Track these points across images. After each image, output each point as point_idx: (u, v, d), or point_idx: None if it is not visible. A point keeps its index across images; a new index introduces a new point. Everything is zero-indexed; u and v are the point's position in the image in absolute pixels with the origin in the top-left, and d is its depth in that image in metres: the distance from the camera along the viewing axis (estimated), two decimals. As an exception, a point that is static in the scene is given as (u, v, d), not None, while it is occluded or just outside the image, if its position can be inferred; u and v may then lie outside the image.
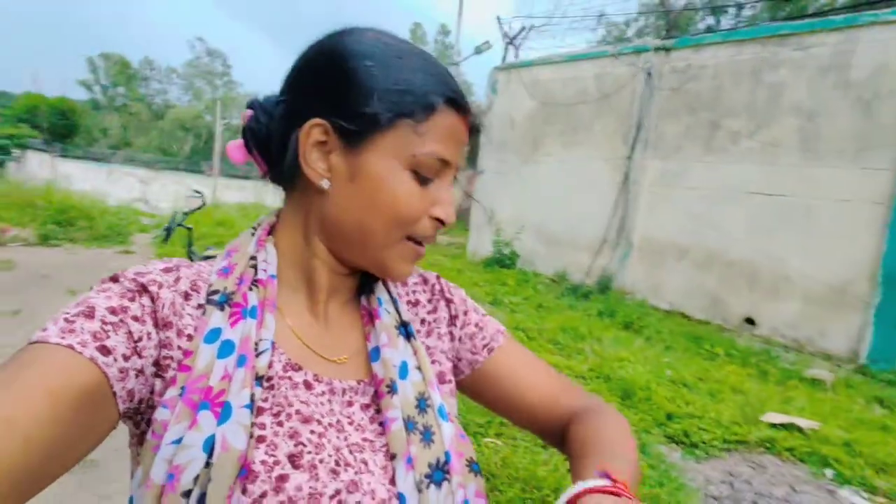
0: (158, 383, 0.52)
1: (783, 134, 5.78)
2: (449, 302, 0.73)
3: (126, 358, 0.48)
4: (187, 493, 0.46)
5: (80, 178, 17.80)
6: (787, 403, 3.97)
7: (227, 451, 0.47)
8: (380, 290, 0.67)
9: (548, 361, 3.78)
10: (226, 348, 0.52)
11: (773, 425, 3.57)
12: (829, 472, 3.10)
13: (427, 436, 0.58)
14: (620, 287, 7.23)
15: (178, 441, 0.48)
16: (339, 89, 0.56)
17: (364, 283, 0.68)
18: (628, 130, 7.28)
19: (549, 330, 5.28)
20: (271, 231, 0.64)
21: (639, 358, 4.69)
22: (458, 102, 0.58)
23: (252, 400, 0.51)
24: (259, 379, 0.53)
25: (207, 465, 0.47)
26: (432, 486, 0.56)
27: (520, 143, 8.81)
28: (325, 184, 0.58)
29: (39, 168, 20.38)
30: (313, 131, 0.57)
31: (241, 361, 0.52)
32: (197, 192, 5.73)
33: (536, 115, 8.56)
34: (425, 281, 0.74)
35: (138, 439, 0.53)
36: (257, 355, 0.54)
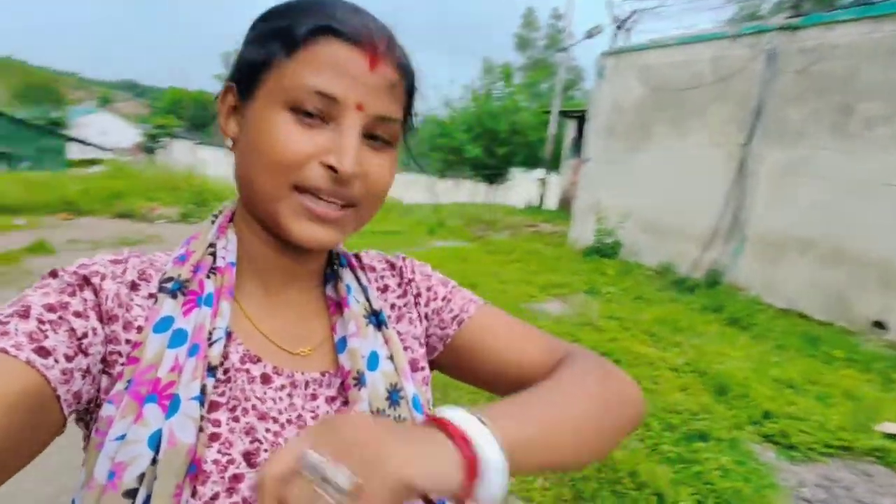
0: (105, 380, 0.49)
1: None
2: (410, 281, 0.68)
3: (69, 358, 0.45)
4: (131, 493, 0.44)
5: (215, 163, 19.74)
6: (912, 415, 3.62)
7: (175, 445, 0.45)
8: (348, 278, 0.63)
9: (639, 353, 3.73)
10: (177, 338, 0.49)
11: (890, 436, 3.29)
12: (950, 489, 2.83)
13: None
14: (731, 282, 6.84)
15: (122, 437, 0.45)
16: (237, 52, 0.56)
17: (330, 271, 0.64)
18: (746, 116, 6.82)
19: (645, 321, 5.17)
20: (233, 218, 0.60)
21: (742, 355, 4.48)
22: (338, 30, 0.50)
23: (203, 392, 0.48)
24: (212, 370, 0.50)
25: (154, 462, 0.44)
26: None
27: (627, 131, 8.54)
28: (228, 143, 0.56)
29: (182, 154, 22.88)
30: (227, 97, 0.56)
31: (193, 351, 0.49)
32: None
33: (646, 102, 8.24)
34: (392, 265, 0.70)
35: (88, 441, 0.50)
36: (210, 345, 0.50)
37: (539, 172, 16.77)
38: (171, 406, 0.46)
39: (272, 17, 0.54)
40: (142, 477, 0.44)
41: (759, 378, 3.95)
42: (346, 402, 0.57)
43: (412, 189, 14.46)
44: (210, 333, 0.51)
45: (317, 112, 0.50)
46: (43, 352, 0.43)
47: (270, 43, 0.52)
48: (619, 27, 9.13)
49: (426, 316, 0.67)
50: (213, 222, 0.59)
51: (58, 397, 0.44)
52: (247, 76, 0.54)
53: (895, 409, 3.67)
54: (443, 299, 0.68)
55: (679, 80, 7.67)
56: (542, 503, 2.50)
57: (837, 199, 5.88)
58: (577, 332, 4.69)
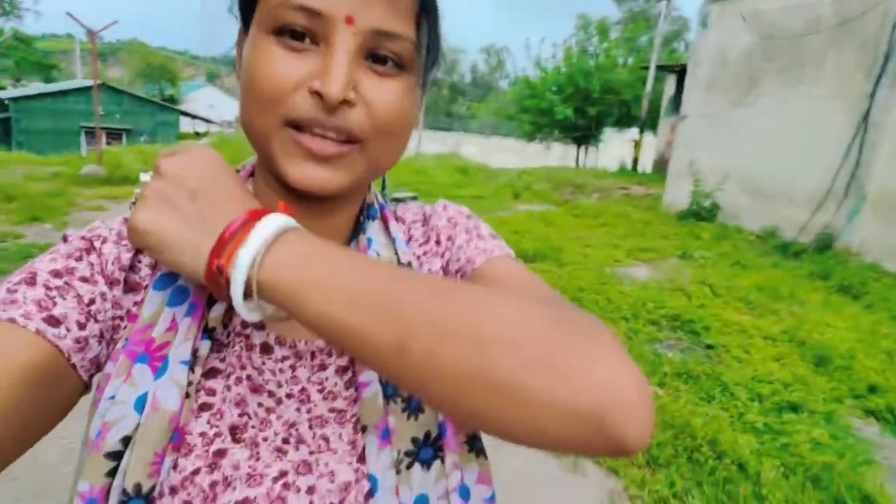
0: (112, 345, 0.47)
1: None
2: (434, 228, 0.60)
3: (81, 326, 0.43)
4: (114, 455, 0.42)
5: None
6: None
7: (156, 411, 0.42)
8: (372, 230, 0.56)
9: (730, 320, 3.56)
10: (177, 295, 0.46)
11: None
12: None
13: (413, 404, 0.49)
14: (845, 246, 6.24)
15: (113, 397, 0.43)
16: None
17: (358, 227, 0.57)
18: (873, 63, 6.07)
19: (742, 287, 4.89)
20: (253, 173, 0.55)
21: (849, 325, 4.14)
22: None
23: (194, 355, 0.45)
24: (209, 332, 0.47)
25: (139, 426, 0.42)
26: (417, 466, 0.48)
27: (731, 84, 7.90)
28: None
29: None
30: (240, 39, 0.51)
31: (190, 310, 0.46)
32: None
33: (754, 51, 7.55)
34: (424, 215, 0.62)
35: None
36: (211, 305, 0.47)
37: (633, 133, 15.97)
38: (161, 368, 0.44)
39: None
40: (126, 440, 0.42)
41: (866, 349, 3.64)
42: (357, 374, 0.50)
43: (499, 152, 14.31)
44: (211, 294, 0.45)
45: (303, 32, 0.43)
46: (53, 320, 0.41)
47: None
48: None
49: (443, 268, 0.59)
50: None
51: (73, 365, 0.42)
52: (244, 8, 0.49)
53: None
54: (458, 248, 0.58)
55: (794, 26, 6.94)
56: (614, 466, 2.50)
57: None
58: (663, 298, 4.52)
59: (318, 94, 0.43)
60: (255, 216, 0.40)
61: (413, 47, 0.46)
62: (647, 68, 15.26)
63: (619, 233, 7.13)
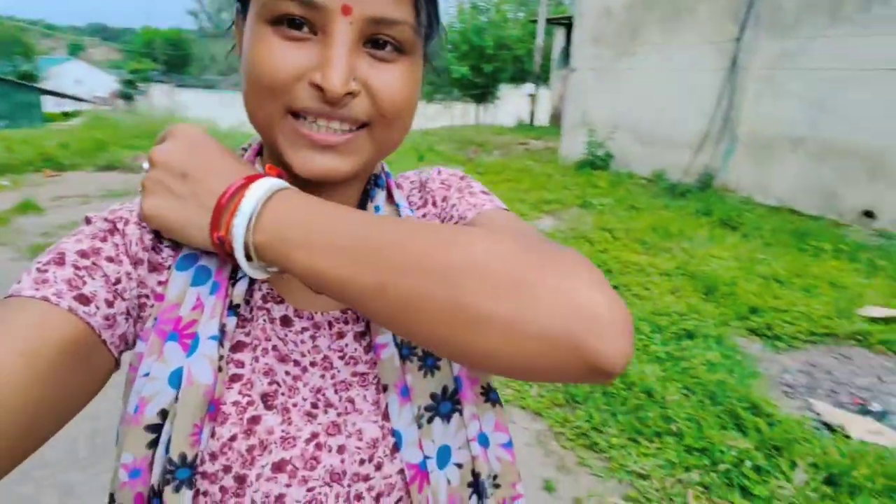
0: (139, 323, 0.49)
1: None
2: (430, 191, 0.62)
3: (109, 304, 0.45)
4: (153, 428, 0.44)
5: (195, 105, 19.24)
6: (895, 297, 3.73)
7: (192, 385, 0.44)
8: (379, 199, 0.57)
9: (629, 260, 3.80)
10: (200, 275, 0.48)
11: (872, 319, 3.41)
12: (925, 365, 2.97)
13: (429, 362, 0.52)
14: (722, 184, 6.83)
15: (147, 374, 0.45)
16: None
17: (365, 196, 0.59)
18: (739, 7, 6.54)
19: (638, 229, 5.23)
20: (261, 151, 0.57)
21: (730, 255, 4.56)
22: None
23: (222, 331, 0.47)
24: (234, 308, 0.49)
25: (177, 399, 0.44)
26: (437, 420, 0.51)
27: (616, 36, 8.22)
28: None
29: (161, 98, 22.24)
30: (238, 25, 0.52)
31: (214, 289, 0.48)
32: None
33: (635, 2, 7.88)
34: (421, 181, 0.64)
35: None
36: (234, 283, 0.49)
37: (529, 88, 16.30)
38: (192, 345, 0.45)
39: None
40: (164, 413, 0.44)
41: (746, 276, 4.05)
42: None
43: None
44: (233, 271, 0.49)
45: (301, 21, 0.44)
46: (83, 299, 0.43)
47: None
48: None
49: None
50: (243, 155, 0.57)
51: (104, 341, 0.44)
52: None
53: (879, 294, 3.79)
54: (451, 206, 0.59)
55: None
56: (538, 408, 2.64)
57: (829, 91, 5.75)
58: (568, 246, 4.74)
59: (319, 88, 0.44)
60: (245, 184, 0.43)
61: (412, 30, 0.45)
62: (536, 22, 15.49)
63: (522, 187, 7.33)
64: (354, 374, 0.52)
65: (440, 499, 0.50)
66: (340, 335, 0.53)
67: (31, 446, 0.40)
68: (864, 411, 2.59)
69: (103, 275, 0.45)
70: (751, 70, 6.50)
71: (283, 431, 0.47)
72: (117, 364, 0.47)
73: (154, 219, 0.46)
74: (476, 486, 0.52)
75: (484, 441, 0.52)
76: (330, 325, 0.53)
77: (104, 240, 0.48)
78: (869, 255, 4.64)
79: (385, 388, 0.50)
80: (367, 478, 0.49)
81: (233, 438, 0.46)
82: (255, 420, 0.47)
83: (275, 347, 0.51)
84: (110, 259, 0.47)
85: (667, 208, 6.16)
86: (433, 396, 0.51)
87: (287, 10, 0.43)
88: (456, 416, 0.51)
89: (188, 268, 0.49)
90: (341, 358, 0.52)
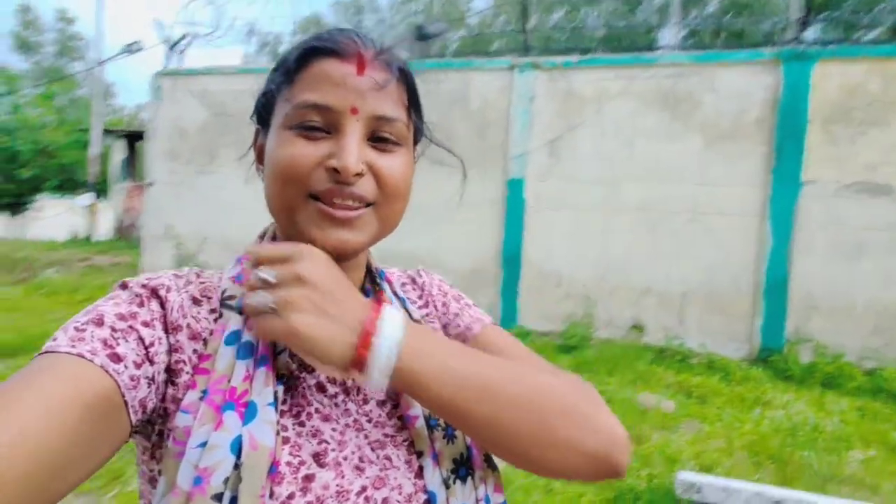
0: (171, 389, 0.51)
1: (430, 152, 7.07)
2: (430, 294, 0.72)
3: (137, 365, 0.47)
4: (218, 497, 0.45)
5: None
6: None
7: (257, 449, 0.47)
8: (389, 291, 0.66)
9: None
10: (245, 349, 0.52)
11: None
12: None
13: (450, 432, 0.59)
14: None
15: (204, 444, 0.47)
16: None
17: (370, 286, 0.67)
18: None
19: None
20: (275, 238, 0.63)
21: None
22: (324, 49, 0.55)
23: (276, 398, 0.51)
24: (280, 377, 0.53)
25: (236, 466, 0.46)
26: (458, 482, 0.57)
27: (193, 154, 8.47)
28: (260, 177, 0.61)
29: None
30: (257, 139, 0.63)
31: (262, 362, 0.52)
32: None
33: (209, 125, 8.37)
34: (413, 280, 0.74)
35: (151, 453, 0.52)
36: (277, 355, 0.54)
37: (86, 198, 14.51)
38: (248, 413, 0.48)
39: (278, 60, 0.60)
40: (226, 480, 0.46)
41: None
42: (395, 406, 0.61)
43: None
44: (275, 345, 0.54)
45: (318, 125, 0.54)
46: (115, 357, 0.46)
47: (275, 77, 0.58)
48: (172, 48, 8.93)
49: (444, 328, 0.70)
50: (260, 241, 0.63)
51: (126, 403, 0.46)
52: (262, 113, 0.61)
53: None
54: (454, 315, 0.70)
55: (239, 108, 8.08)
56: None
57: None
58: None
59: (334, 171, 0.53)
60: (376, 310, 0.51)
61: (405, 127, 0.58)
62: (87, 131, 14.21)
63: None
64: (385, 436, 0.58)
65: None
66: (365, 401, 0.60)
67: (51, 499, 0.41)
68: None
69: (137, 337, 0.49)
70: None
71: (337, 486, 0.51)
72: (131, 434, 0.48)
73: (302, 335, 0.47)
74: None
75: (487, 501, 0.60)
76: (357, 390, 0.60)
77: (141, 305, 0.51)
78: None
79: (420, 454, 0.58)
80: None
81: (290, 497, 0.49)
82: (309, 478, 0.51)
83: (317, 410, 0.56)
84: (146, 323, 0.50)
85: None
86: (455, 461, 0.58)
87: (308, 117, 0.54)
88: (469, 479, 0.59)
89: (234, 343, 0.52)
90: (369, 421, 0.59)
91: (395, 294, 0.67)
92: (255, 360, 0.52)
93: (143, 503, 0.55)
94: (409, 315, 0.65)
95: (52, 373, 0.42)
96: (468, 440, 0.60)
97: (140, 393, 0.47)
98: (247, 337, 0.53)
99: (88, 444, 0.42)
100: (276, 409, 0.50)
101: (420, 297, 0.72)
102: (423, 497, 0.56)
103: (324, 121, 0.54)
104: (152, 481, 0.52)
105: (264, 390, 0.50)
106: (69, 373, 0.43)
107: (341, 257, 0.56)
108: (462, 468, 0.59)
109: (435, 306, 0.72)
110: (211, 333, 0.54)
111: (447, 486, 0.57)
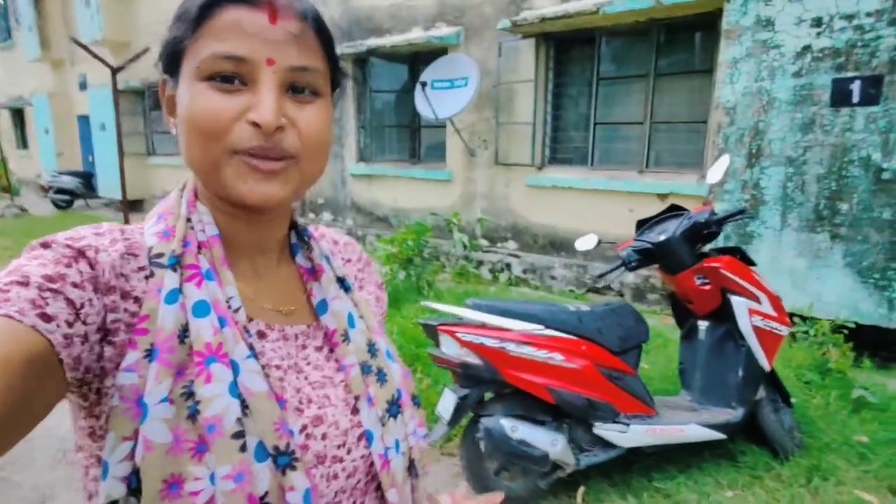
0: (108, 349, 0.50)
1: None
2: (365, 260, 0.79)
3: (69, 324, 0.46)
4: (238, 434, 0.49)
5: None
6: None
7: (254, 396, 0.51)
8: (317, 247, 0.68)
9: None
10: (201, 308, 0.52)
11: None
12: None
13: (381, 376, 0.64)
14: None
15: (165, 399, 0.48)
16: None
17: (298, 241, 0.69)
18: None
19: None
20: (197, 194, 0.61)
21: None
22: None
23: (252, 349, 0.54)
24: (245, 331, 0.55)
25: (245, 408, 0.50)
26: (390, 419, 0.63)
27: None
28: (173, 131, 0.58)
29: None
30: (165, 90, 0.59)
31: (223, 322, 0.53)
32: None
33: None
34: (348, 242, 0.78)
35: (88, 411, 0.51)
36: (235, 311, 0.55)
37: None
38: (233, 365, 0.51)
39: (179, 7, 0.56)
40: (239, 419, 0.49)
41: None
42: (331, 350, 0.64)
43: None
44: (228, 302, 0.55)
45: (233, 76, 0.52)
46: (45, 318, 0.44)
47: (177, 27, 0.55)
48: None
49: (359, 287, 0.76)
50: (181, 196, 0.60)
51: (60, 360, 0.45)
52: (169, 64, 0.57)
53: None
54: (376, 298, 0.78)
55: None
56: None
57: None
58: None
59: (255, 124, 0.52)
60: None
61: (322, 76, 0.57)
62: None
63: None
64: (324, 377, 0.62)
65: (398, 478, 0.63)
66: (303, 347, 0.63)
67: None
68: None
69: (66, 299, 0.47)
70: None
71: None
72: (67, 389, 0.48)
73: None
74: (411, 468, 0.66)
75: (415, 433, 0.67)
76: (296, 336, 0.62)
77: (69, 266, 0.48)
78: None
79: (357, 398, 0.62)
80: (340, 460, 0.59)
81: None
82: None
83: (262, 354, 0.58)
84: (75, 285, 0.48)
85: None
86: (387, 402, 0.64)
87: (220, 67, 0.52)
88: (400, 416, 0.65)
89: (175, 301, 0.51)
90: (308, 364, 0.62)
91: (321, 250, 0.69)
92: (216, 319, 0.52)
93: (85, 455, 0.54)
94: (333, 270, 0.68)
95: None
96: (397, 382, 0.66)
97: (74, 350, 0.47)
98: (200, 296, 0.53)
99: (23, 402, 0.42)
100: (257, 357, 0.53)
101: (359, 260, 0.77)
102: (359, 431, 0.61)
103: (238, 72, 0.52)
104: (92, 436, 0.52)
105: (237, 347, 0.52)
106: (1, 335, 0.42)
107: (265, 211, 0.58)
108: (393, 407, 0.64)
109: (370, 272, 0.78)
110: (144, 293, 0.52)
111: (382, 424, 0.62)
